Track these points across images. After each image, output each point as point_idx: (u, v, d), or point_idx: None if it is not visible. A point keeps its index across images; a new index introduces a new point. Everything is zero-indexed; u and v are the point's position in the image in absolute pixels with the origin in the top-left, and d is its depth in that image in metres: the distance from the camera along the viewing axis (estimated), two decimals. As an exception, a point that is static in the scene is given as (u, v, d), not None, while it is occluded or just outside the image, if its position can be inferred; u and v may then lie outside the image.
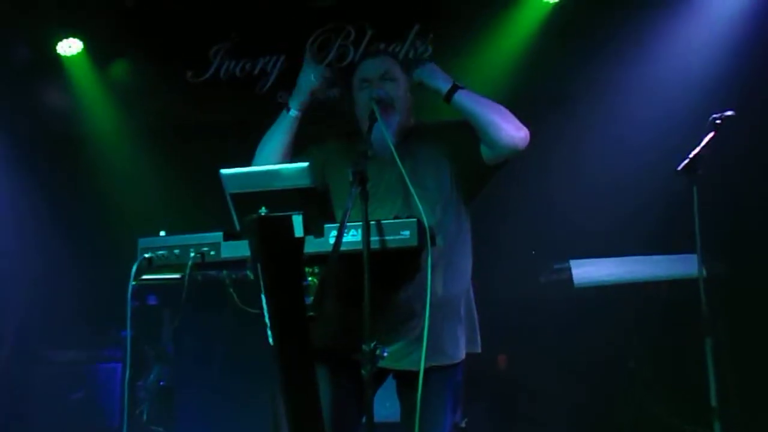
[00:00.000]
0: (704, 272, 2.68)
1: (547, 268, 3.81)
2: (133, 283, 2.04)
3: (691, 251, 2.70)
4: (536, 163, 4.17)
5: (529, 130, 2.23)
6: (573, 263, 3.65)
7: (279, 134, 2.39)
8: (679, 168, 2.66)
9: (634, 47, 4.07)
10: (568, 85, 4.32)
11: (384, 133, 2.09)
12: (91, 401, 4.46)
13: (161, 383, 4.32)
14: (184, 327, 3.88)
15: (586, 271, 3.61)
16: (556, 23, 4.29)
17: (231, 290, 3.53)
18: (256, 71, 4.86)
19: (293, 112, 2.36)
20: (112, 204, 4.79)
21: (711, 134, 2.67)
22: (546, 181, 4.15)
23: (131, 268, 2.06)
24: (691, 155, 2.66)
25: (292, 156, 2.37)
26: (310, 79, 2.36)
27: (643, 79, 4.06)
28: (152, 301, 4.27)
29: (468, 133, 2.21)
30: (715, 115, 2.68)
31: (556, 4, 4.30)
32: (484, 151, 2.21)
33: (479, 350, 2.26)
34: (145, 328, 4.50)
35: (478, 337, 2.27)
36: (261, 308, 1.89)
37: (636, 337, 3.68)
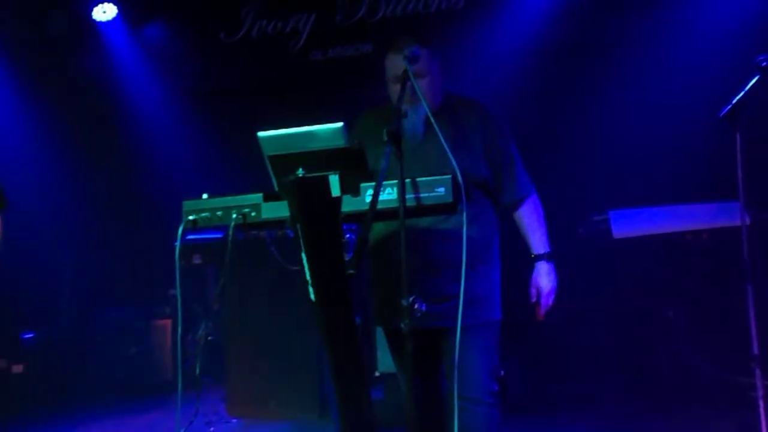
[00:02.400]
0: (747, 220, 2.63)
1: (585, 219, 3.79)
2: (179, 243, 2.12)
3: (732, 199, 2.65)
4: (574, 113, 4.13)
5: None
6: (612, 214, 3.62)
7: None
8: (722, 114, 2.59)
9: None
10: (604, 32, 4.20)
11: (416, 88, 2.09)
12: (144, 356, 4.67)
13: (209, 338, 4.49)
14: (228, 283, 3.99)
15: (626, 221, 3.57)
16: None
17: (272, 248, 3.63)
18: (288, 29, 4.85)
19: None
20: (154, 165, 4.90)
21: (756, 78, 2.58)
22: (583, 131, 4.08)
23: (176, 229, 2.14)
24: (734, 101, 2.57)
25: None
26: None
27: (682, 23, 3.93)
28: (197, 260, 4.41)
29: (498, 170, 2.31)
30: (760, 57, 2.58)
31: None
32: (500, 193, 2.33)
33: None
34: (191, 286, 4.67)
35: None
36: (301, 265, 1.95)
37: (675, 287, 3.66)
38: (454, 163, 2.01)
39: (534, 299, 2.35)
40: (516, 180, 2.34)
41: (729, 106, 2.57)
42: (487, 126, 2.31)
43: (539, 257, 2.34)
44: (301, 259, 1.93)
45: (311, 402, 3.79)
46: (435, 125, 2.06)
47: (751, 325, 2.59)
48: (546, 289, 2.32)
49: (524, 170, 2.38)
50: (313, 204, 1.88)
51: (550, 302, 2.34)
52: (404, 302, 1.85)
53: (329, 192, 1.91)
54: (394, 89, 2.22)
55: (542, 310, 2.34)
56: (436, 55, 2.31)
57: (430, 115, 2.11)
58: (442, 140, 2.04)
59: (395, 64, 2.24)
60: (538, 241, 2.34)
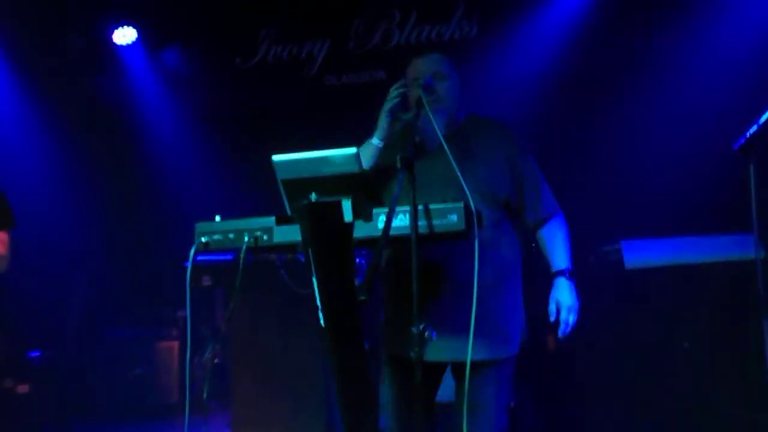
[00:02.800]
0: (762, 253, 2.61)
1: (596, 248, 3.76)
2: (190, 265, 2.12)
3: (747, 231, 2.62)
4: (586, 141, 4.13)
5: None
6: (624, 244, 3.58)
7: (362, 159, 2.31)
8: (736, 147, 2.58)
9: (685, 22, 3.95)
10: (618, 61, 4.22)
11: (432, 119, 2.10)
12: (151, 377, 4.65)
13: (216, 360, 4.47)
14: (237, 306, 3.98)
15: (638, 252, 3.54)
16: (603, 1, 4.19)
17: (282, 271, 3.62)
18: (303, 55, 4.91)
19: (375, 141, 2.27)
20: (166, 188, 4.93)
21: (770, 111, 2.57)
22: (596, 160, 4.08)
23: (187, 250, 2.14)
24: (748, 134, 2.57)
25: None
26: (389, 99, 2.27)
27: (697, 54, 3.94)
28: (206, 281, 4.41)
29: (521, 190, 2.28)
30: (774, 91, 2.58)
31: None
32: (524, 212, 2.30)
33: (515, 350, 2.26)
34: (200, 307, 4.67)
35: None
36: (312, 290, 1.94)
37: (690, 320, 3.60)
38: (466, 189, 2.01)
39: (554, 317, 2.22)
40: (540, 198, 2.30)
41: (743, 139, 2.56)
42: (510, 144, 2.30)
43: (560, 273, 2.25)
44: (312, 284, 1.92)
45: (317, 428, 3.75)
46: (444, 145, 2.05)
47: (766, 360, 2.55)
48: (567, 304, 2.21)
49: (549, 189, 2.34)
50: (326, 229, 1.88)
51: (573, 321, 2.21)
52: (414, 329, 1.84)
53: (342, 217, 1.91)
54: (414, 93, 2.24)
55: (562, 328, 2.21)
56: (457, 67, 2.34)
57: (440, 137, 2.08)
58: (453, 163, 2.04)
59: (418, 68, 2.29)
60: (559, 257, 2.27)
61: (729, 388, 3.45)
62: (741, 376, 3.32)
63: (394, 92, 2.24)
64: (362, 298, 1.66)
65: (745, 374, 3.20)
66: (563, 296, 2.23)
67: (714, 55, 3.90)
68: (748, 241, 2.61)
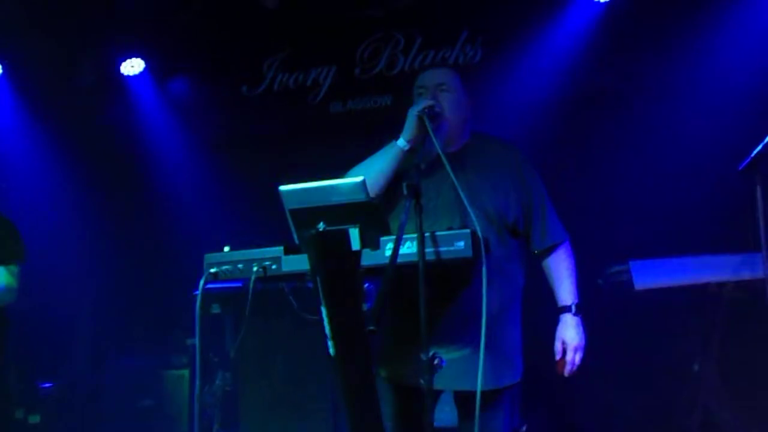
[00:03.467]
0: (771, 272, 2.59)
1: (605, 270, 3.74)
2: (200, 295, 2.14)
3: (756, 250, 2.62)
4: (593, 162, 4.14)
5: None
6: (633, 265, 3.56)
7: (382, 162, 2.24)
8: (742, 167, 2.59)
9: (689, 42, 3.97)
10: (622, 84, 4.24)
11: (437, 148, 2.12)
12: (160, 407, 4.63)
13: (226, 389, 4.45)
14: (246, 333, 3.98)
15: (647, 272, 3.52)
16: (607, 23, 4.22)
17: (291, 298, 3.63)
18: (309, 82, 4.96)
19: (401, 143, 2.21)
20: (174, 215, 4.96)
21: (774, 132, 2.58)
22: (603, 181, 4.08)
23: (195, 279, 2.16)
24: (753, 154, 2.58)
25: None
26: (416, 108, 2.24)
27: (701, 75, 3.95)
28: (215, 309, 4.41)
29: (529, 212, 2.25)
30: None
31: (606, 3, 4.23)
32: (529, 238, 2.26)
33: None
34: (208, 335, 4.66)
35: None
36: (321, 318, 1.95)
37: (700, 340, 3.57)
38: (472, 215, 2.02)
39: (559, 355, 2.18)
40: (547, 225, 2.26)
41: (748, 159, 2.57)
42: (517, 166, 2.27)
43: (566, 309, 2.20)
44: (320, 312, 1.93)
45: (327, 455, 3.73)
46: (449, 169, 2.05)
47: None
48: (573, 344, 2.16)
49: (555, 215, 2.29)
50: (334, 258, 1.90)
51: (578, 360, 2.17)
52: (423, 357, 1.83)
53: (349, 246, 1.92)
54: (416, 103, 2.26)
55: (569, 368, 2.17)
56: (465, 85, 2.34)
57: (446, 162, 2.08)
58: (458, 187, 2.05)
59: (424, 79, 2.33)
60: (566, 291, 2.21)
61: (739, 410, 3.41)
62: (751, 397, 3.28)
63: (424, 101, 2.20)
64: (371, 328, 1.66)
65: (755, 395, 3.17)
66: (569, 335, 2.18)
67: (720, 75, 3.91)
68: (757, 260, 2.60)
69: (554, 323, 2.28)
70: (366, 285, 3.27)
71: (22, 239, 3.51)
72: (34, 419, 4.55)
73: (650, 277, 3.52)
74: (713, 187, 3.63)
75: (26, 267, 3.53)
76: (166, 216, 4.91)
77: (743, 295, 3.38)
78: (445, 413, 2.85)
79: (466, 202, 2.02)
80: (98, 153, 5.03)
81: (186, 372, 4.67)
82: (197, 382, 2.44)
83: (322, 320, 1.94)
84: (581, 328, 2.20)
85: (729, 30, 3.90)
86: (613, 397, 3.69)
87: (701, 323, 3.57)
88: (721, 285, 3.48)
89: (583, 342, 2.19)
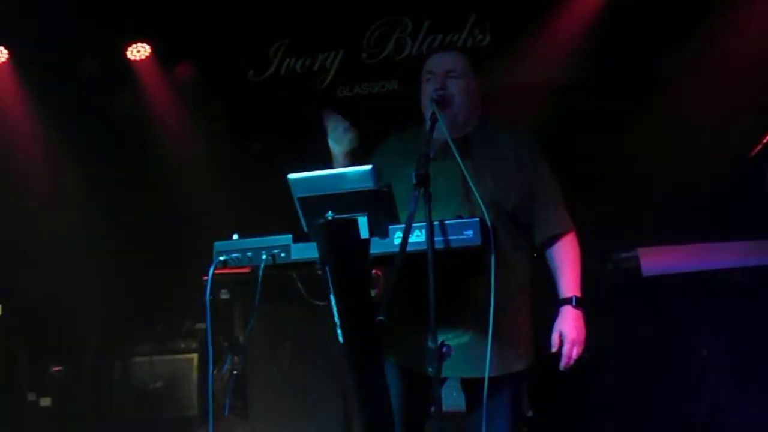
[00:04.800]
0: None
1: (613, 256, 3.74)
2: (209, 282, 2.15)
3: (764, 237, 2.61)
4: (602, 148, 4.12)
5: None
6: (641, 251, 3.56)
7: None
8: (752, 154, 2.58)
9: (702, 27, 3.92)
10: (633, 68, 4.20)
11: (445, 134, 2.11)
12: (169, 390, 4.68)
13: (234, 372, 4.49)
14: (255, 319, 4.00)
15: (655, 259, 3.51)
16: (617, 5, 4.18)
17: (299, 284, 3.64)
18: (316, 67, 4.94)
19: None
20: (182, 201, 4.97)
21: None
22: (611, 167, 4.06)
23: (204, 263, 2.17)
24: (764, 140, 2.57)
25: (364, 156, 2.36)
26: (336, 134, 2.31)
27: (711, 61, 3.91)
28: (224, 294, 4.43)
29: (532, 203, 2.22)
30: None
31: (617, -15, 4.19)
32: (532, 227, 2.24)
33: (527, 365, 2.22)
34: (218, 320, 4.69)
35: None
36: (329, 304, 1.96)
37: (708, 326, 3.58)
38: (481, 204, 2.01)
39: (556, 348, 2.13)
40: (551, 214, 2.21)
41: (758, 146, 2.56)
42: (522, 153, 2.24)
43: (566, 301, 2.16)
44: (329, 298, 1.94)
45: (336, 439, 3.76)
46: (458, 158, 2.04)
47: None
48: (571, 337, 2.11)
49: (562, 204, 2.25)
50: (343, 246, 1.90)
51: (575, 354, 2.11)
52: (431, 345, 1.84)
53: (358, 234, 1.92)
54: (424, 87, 2.25)
55: (564, 362, 2.12)
56: (475, 70, 2.31)
57: (454, 149, 2.07)
58: (467, 174, 2.04)
59: (434, 63, 2.28)
60: (567, 283, 2.18)
61: (748, 395, 3.42)
62: (760, 383, 3.29)
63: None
64: (381, 318, 1.66)
65: (764, 381, 3.18)
66: (568, 328, 2.13)
67: (730, 62, 3.88)
68: (766, 246, 2.60)
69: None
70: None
71: None
72: (46, 402, 4.61)
73: (658, 263, 3.52)
74: (722, 174, 3.60)
75: (36, 256, 3.54)
76: (173, 202, 4.92)
77: (751, 282, 3.37)
78: (453, 398, 2.87)
79: (474, 190, 2.02)
80: (103, 138, 5.03)
81: (195, 356, 4.71)
82: (210, 367, 2.46)
83: (330, 306, 1.95)
84: (581, 321, 2.15)
85: (747, 13, 3.85)
86: (620, 383, 3.70)
87: (709, 310, 3.57)
88: (729, 271, 3.48)
89: (583, 336, 2.14)
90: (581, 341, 2.14)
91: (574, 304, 2.16)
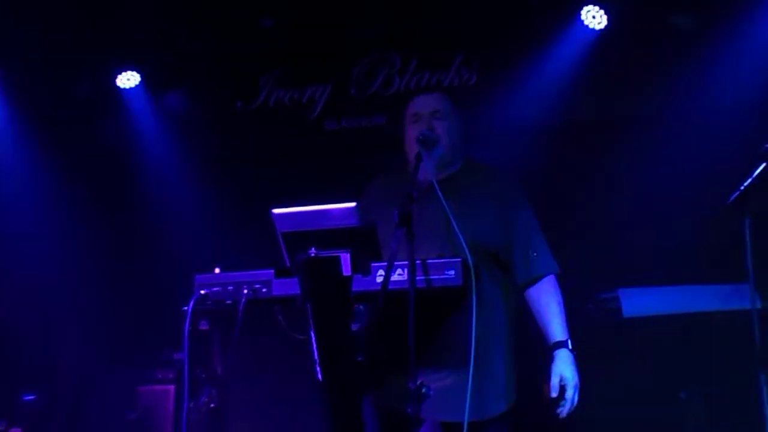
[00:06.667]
0: (758, 304, 2.61)
1: (594, 297, 3.76)
2: (188, 315, 2.13)
3: (744, 281, 2.63)
4: (583, 190, 4.16)
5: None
6: (621, 293, 3.58)
7: None
8: (731, 200, 2.61)
9: (682, 75, 4.02)
10: (615, 112, 4.28)
11: (430, 175, 2.13)
12: (144, 422, 4.58)
13: (212, 405, 4.42)
14: (235, 356, 3.96)
15: (635, 300, 3.54)
16: (601, 51, 4.27)
17: (279, 317, 3.62)
18: (305, 99, 4.97)
19: None
20: (165, 230, 4.94)
21: (763, 165, 2.60)
22: (592, 209, 4.11)
23: (183, 294, 2.15)
24: (742, 187, 2.60)
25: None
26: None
27: (691, 106, 4.00)
28: (204, 325, 4.39)
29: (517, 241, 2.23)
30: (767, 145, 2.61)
31: (601, 31, 4.28)
32: (513, 268, 2.24)
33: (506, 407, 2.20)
34: (196, 351, 4.62)
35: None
36: (310, 338, 1.95)
37: (687, 369, 3.59)
38: (464, 244, 2.02)
39: (557, 393, 2.12)
40: (531, 255, 2.22)
41: (737, 193, 2.59)
42: (504, 193, 2.26)
43: (561, 344, 2.15)
44: (310, 338, 1.93)
45: (312, 476, 3.70)
46: (442, 198, 2.06)
47: (764, 414, 2.53)
48: (573, 382, 2.11)
49: (544, 245, 2.25)
50: (325, 283, 1.90)
51: (576, 399, 2.11)
52: (411, 385, 1.83)
53: (340, 272, 1.93)
54: (409, 129, 2.26)
55: (568, 407, 2.10)
56: (458, 110, 2.35)
57: (438, 190, 2.09)
58: (450, 216, 2.05)
59: (418, 105, 2.32)
60: (558, 326, 2.17)
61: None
62: (738, 428, 3.29)
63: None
64: (360, 358, 1.66)
65: (741, 426, 3.18)
66: (568, 372, 2.13)
67: (711, 108, 3.96)
68: (744, 291, 2.62)
69: (541, 351, 2.25)
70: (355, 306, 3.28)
71: None
72: (16, 431, 4.49)
73: (639, 304, 3.55)
74: (703, 218, 3.66)
75: (12, 279, 3.49)
76: (156, 230, 4.88)
77: (730, 326, 3.40)
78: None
79: (457, 231, 2.03)
80: (91, 164, 5.01)
81: (171, 387, 4.63)
82: (185, 401, 2.42)
83: (311, 340, 1.94)
84: (575, 364, 2.16)
85: (722, 64, 3.96)
86: (599, 423, 3.69)
87: (688, 352, 3.59)
88: (708, 314, 3.51)
89: (579, 380, 2.15)
90: (578, 386, 2.15)
91: (569, 347, 2.16)
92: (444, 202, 2.07)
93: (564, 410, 2.14)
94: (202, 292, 2.08)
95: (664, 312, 3.50)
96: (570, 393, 2.11)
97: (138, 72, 4.95)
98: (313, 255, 1.90)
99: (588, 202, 4.10)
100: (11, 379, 4.59)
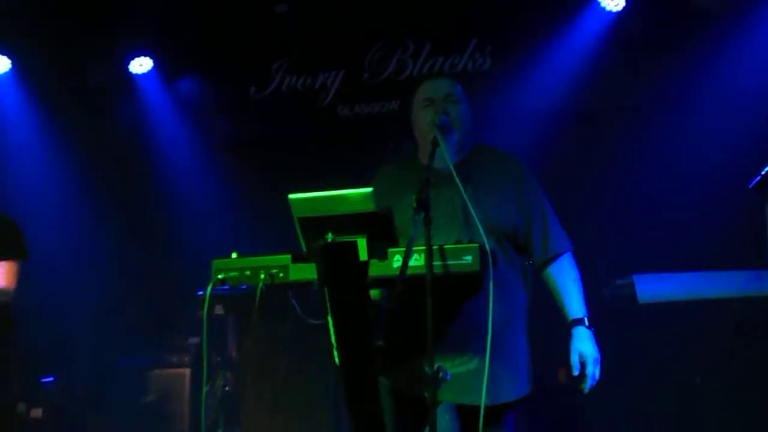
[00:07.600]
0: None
1: (609, 283, 3.74)
2: (206, 299, 2.15)
3: (762, 267, 2.62)
4: (599, 174, 4.14)
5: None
6: (636, 278, 3.56)
7: None
8: (751, 185, 2.58)
9: (700, 57, 3.97)
10: (632, 96, 4.24)
11: (447, 161, 2.12)
12: (160, 405, 4.64)
13: (226, 388, 4.46)
14: (252, 341, 4.00)
15: (651, 286, 3.51)
16: (618, 33, 4.22)
17: (294, 302, 3.64)
18: (317, 85, 4.96)
19: None
20: (180, 215, 4.97)
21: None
22: (609, 193, 4.08)
23: (199, 279, 2.17)
24: (763, 172, 2.57)
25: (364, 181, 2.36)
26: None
27: (711, 90, 3.95)
28: (219, 310, 4.42)
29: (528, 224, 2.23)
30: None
31: (618, 13, 4.23)
32: (531, 248, 2.24)
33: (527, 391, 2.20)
34: (211, 335, 4.67)
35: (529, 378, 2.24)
36: (325, 323, 1.96)
37: (703, 355, 3.57)
38: (481, 229, 2.02)
39: (578, 370, 2.10)
40: (549, 234, 2.23)
41: (758, 178, 2.56)
42: (517, 177, 2.26)
43: (579, 321, 2.15)
44: (326, 318, 1.94)
45: (328, 458, 3.73)
46: (458, 181, 2.05)
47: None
48: (593, 357, 2.10)
49: (558, 225, 2.26)
50: (342, 269, 1.90)
51: (598, 375, 2.10)
52: (428, 370, 1.84)
53: (357, 257, 1.93)
54: (423, 114, 2.25)
55: (590, 383, 2.09)
56: (468, 95, 2.33)
57: (454, 173, 2.08)
58: (466, 200, 2.05)
59: (430, 89, 2.29)
60: (576, 304, 2.17)
61: (741, 425, 3.41)
62: (753, 413, 3.28)
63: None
64: (380, 343, 1.66)
65: (757, 411, 3.17)
66: (587, 348, 2.12)
67: (730, 91, 3.91)
68: (763, 277, 2.60)
69: (555, 336, 2.25)
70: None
71: (24, 238, 3.50)
72: (36, 413, 4.56)
73: (654, 290, 3.52)
74: (721, 204, 3.62)
75: (30, 265, 3.52)
76: (171, 216, 4.91)
77: (748, 312, 3.37)
78: (445, 421, 2.85)
79: (474, 216, 2.03)
80: (105, 151, 5.04)
81: (187, 371, 4.68)
82: (203, 385, 2.45)
83: (326, 325, 1.95)
84: (595, 340, 2.15)
85: (743, 47, 3.90)
86: (615, 409, 3.69)
87: (704, 338, 3.57)
88: (726, 300, 3.48)
89: (599, 355, 2.13)
90: (599, 360, 2.13)
91: (587, 324, 2.16)
92: (461, 187, 2.06)
93: (587, 386, 2.12)
94: (220, 276, 2.09)
95: (680, 298, 3.47)
96: (590, 369, 2.11)
97: (151, 57, 4.96)
98: (330, 240, 1.90)
99: (604, 188, 4.07)
100: (31, 363, 4.65)
